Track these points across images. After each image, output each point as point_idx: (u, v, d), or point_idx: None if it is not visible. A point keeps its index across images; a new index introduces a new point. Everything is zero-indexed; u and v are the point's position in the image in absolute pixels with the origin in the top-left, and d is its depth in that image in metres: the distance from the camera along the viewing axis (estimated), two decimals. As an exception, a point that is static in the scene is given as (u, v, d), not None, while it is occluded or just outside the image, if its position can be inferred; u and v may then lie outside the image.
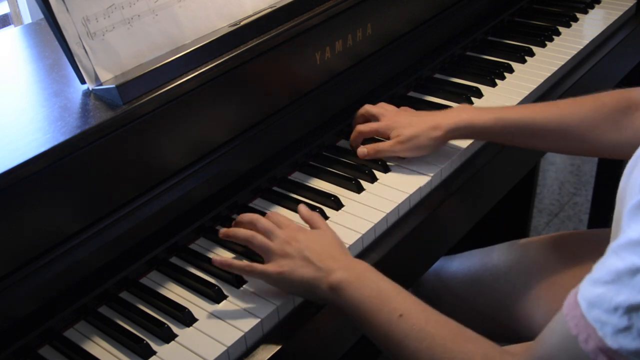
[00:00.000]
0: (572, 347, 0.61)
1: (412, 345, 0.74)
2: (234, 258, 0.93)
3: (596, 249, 1.12)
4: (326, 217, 0.99)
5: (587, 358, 0.60)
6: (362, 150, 1.08)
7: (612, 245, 0.61)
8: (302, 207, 0.95)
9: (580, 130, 1.00)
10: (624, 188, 0.69)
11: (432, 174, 1.06)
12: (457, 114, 1.06)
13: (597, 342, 0.59)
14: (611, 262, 0.59)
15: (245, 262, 0.88)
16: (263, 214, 1.01)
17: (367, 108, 1.13)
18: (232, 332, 0.83)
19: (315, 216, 0.93)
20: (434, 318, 0.76)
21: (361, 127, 1.11)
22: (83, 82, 0.90)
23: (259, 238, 0.88)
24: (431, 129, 1.05)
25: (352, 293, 0.81)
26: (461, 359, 0.72)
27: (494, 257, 1.19)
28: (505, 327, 1.16)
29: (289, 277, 0.84)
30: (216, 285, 0.89)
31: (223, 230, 0.92)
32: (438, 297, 1.26)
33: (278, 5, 1.04)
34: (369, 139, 1.13)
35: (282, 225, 0.90)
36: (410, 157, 1.08)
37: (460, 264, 1.24)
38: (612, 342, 0.58)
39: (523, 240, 1.22)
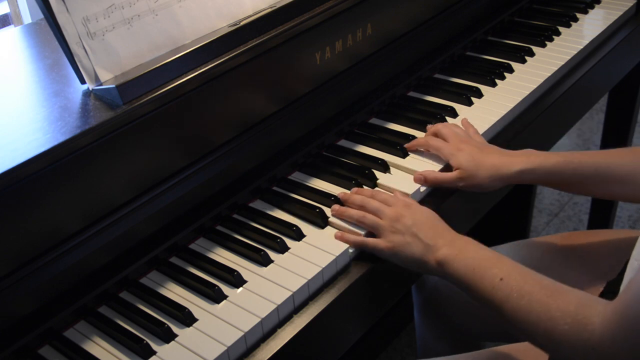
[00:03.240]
0: None
1: (514, 303, 0.80)
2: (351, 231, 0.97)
3: (601, 249, 1.13)
4: (326, 218, 0.99)
5: None
6: (420, 178, 1.05)
7: None
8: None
9: None
10: None
11: (432, 174, 1.06)
12: (525, 156, 1.02)
13: None
14: None
15: (359, 237, 0.95)
16: (263, 214, 1.01)
17: (440, 127, 1.11)
18: (232, 332, 0.83)
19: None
20: (531, 277, 0.82)
21: (430, 140, 1.09)
22: (83, 82, 0.90)
23: (370, 217, 0.96)
24: (495, 170, 1.02)
25: (457, 266, 0.87)
26: (556, 308, 0.76)
27: None
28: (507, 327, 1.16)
29: (399, 252, 0.92)
30: (216, 285, 0.89)
31: (336, 209, 1.00)
32: (441, 296, 1.27)
33: (278, 5, 1.04)
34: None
35: (389, 202, 0.97)
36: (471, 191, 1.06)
37: None
38: None
39: (528, 240, 1.22)
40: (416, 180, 1.05)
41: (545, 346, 0.79)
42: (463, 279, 0.87)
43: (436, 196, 1.06)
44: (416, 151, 1.12)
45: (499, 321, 1.16)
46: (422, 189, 1.05)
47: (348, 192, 1.03)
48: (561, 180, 1.02)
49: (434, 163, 1.09)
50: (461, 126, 1.14)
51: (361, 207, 0.98)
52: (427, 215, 0.95)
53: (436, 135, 1.11)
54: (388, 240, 0.93)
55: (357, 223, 0.97)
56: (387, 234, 0.93)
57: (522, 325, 0.80)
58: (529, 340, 0.81)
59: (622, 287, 0.82)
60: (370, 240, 0.94)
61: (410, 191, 1.03)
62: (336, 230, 0.97)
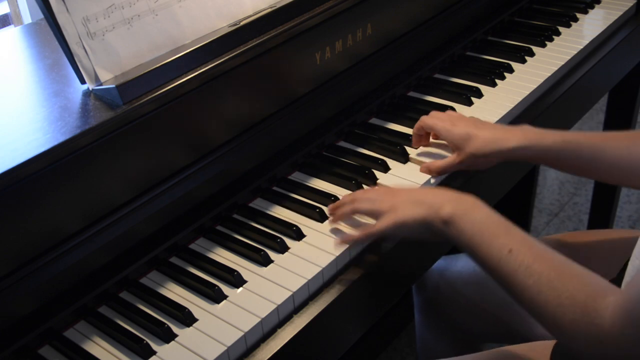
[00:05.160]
0: None
1: (521, 280, 0.77)
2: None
3: (601, 249, 1.13)
4: (326, 218, 0.99)
5: None
6: (426, 170, 1.06)
7: None
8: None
9: None
10: None
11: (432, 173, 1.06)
12: (521, 132, 1.01)
13: None
14: None
15: (362, 231, 0.92)
16: (263, 214, 1.01)
17: (433, 113, 1.10)
18: (232, 332, 0.83)
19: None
20: (542, 255, 0.78)
21: (425, 119, 1.08)
22: (83, 82, 0.90)
23: (365, 204, 0.93)
24: (491, 145, 1.01)
25: (463, 226, 0.84)
26: (566, 296, 0.73)
27: None
28: (508, 326, 1.16)
29: (403, 221, 0.89)
30: (216, 285, 0.89)
31: (331, 207, 0.98)
32: (442, 296, 1.27)
33: (278, 5, 1.04)
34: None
35: (381, 192, 0.95)
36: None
37: (465, 263, 1.24)
38: None
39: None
40: (423, 172, 1.06)
41: (551, 330, 0.77)
42: (469, 242, 0.83)
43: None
44: (418, 153, 1.12)
45: (500, 322, 1.17)
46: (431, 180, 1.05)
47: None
48: (556, 160, 1.01)
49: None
50: None
51: (353, 202, 0.96)
52: (423, 187, 0.94)
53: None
54: (389, 216, 0.90)
55: (353, 214, 0.95)
56: (386, 212, 0.90)
57: (529, 303, 0.77)
58: (534, 318, 0.79)
59: (623, 286, 0.82)
60: (374, 226, 0.91)
61: (410, 191, 1.03)
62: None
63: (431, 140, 1.13)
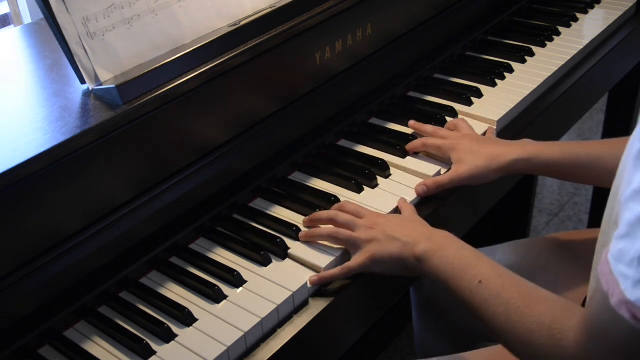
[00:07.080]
0: (606, 304, 0.62)
1: (491, 310, 0.79)
2: (325, 269, 0.92)
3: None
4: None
5: (614, 313, 0.61)
6: (423, 188, 1.04)
7: (621, 198, 0.62)
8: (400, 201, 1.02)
9: None
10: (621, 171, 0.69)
11: (431, 174, 1.06)
12: (520, 146, 1.03)
13: (619, 295, 0.59)
14: (624, 215, 0.60)
15: (339, 268, 0.91)
16: (263, 214, 1.01)
17: (436, 129, 1.12)
18: (232, 332, 0.83)
19: (401, 203, 1.01)
20: (510, 283, 0.79)
21: (427, 140, 1.10)
22: (83, 82, 0.90)
23: (343, 233, 0.93)
24: (491, 160, 1.02)
25: (436, 262, 0.85)
26: (532, 322, 0.74)
27: (496, 256, 1.19)
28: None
29: (380, 257, 0.89)
30: (216, 285, 0.89)
31: (303, 233, 0.96)
32: (439, 296, 1.27)
33: (278, 5, 1.04)
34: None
35: (360, 214, 0.95)
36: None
37: None
38: (631, 295, 0.58)
39: (526, 240, 1.22)
40: (419, 193, 1.03)
41: (523, 356, 0.77)
42: (442, 277, 0.85)
43: (435, 198, 1.05)
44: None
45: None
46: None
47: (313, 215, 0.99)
48: (556, 170, 1.03)
49: (434, 163, 1.09)
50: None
51: (330, 222, 0.95)
52: (403, 217, 0.95)
53: (430, 134, 1.12)
54: (366, 251, 0.90)
55: (330, 240, 0.94)
56: (364, 244, 0.91)
57: (499, 332, 0.78)
58: (505, 347, 0.79)
59: (592, 270, 0.82)
60: (351, 262, 0.91)
61: (410, 198, 1.03)
62: (310, 275, 0.91)
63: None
